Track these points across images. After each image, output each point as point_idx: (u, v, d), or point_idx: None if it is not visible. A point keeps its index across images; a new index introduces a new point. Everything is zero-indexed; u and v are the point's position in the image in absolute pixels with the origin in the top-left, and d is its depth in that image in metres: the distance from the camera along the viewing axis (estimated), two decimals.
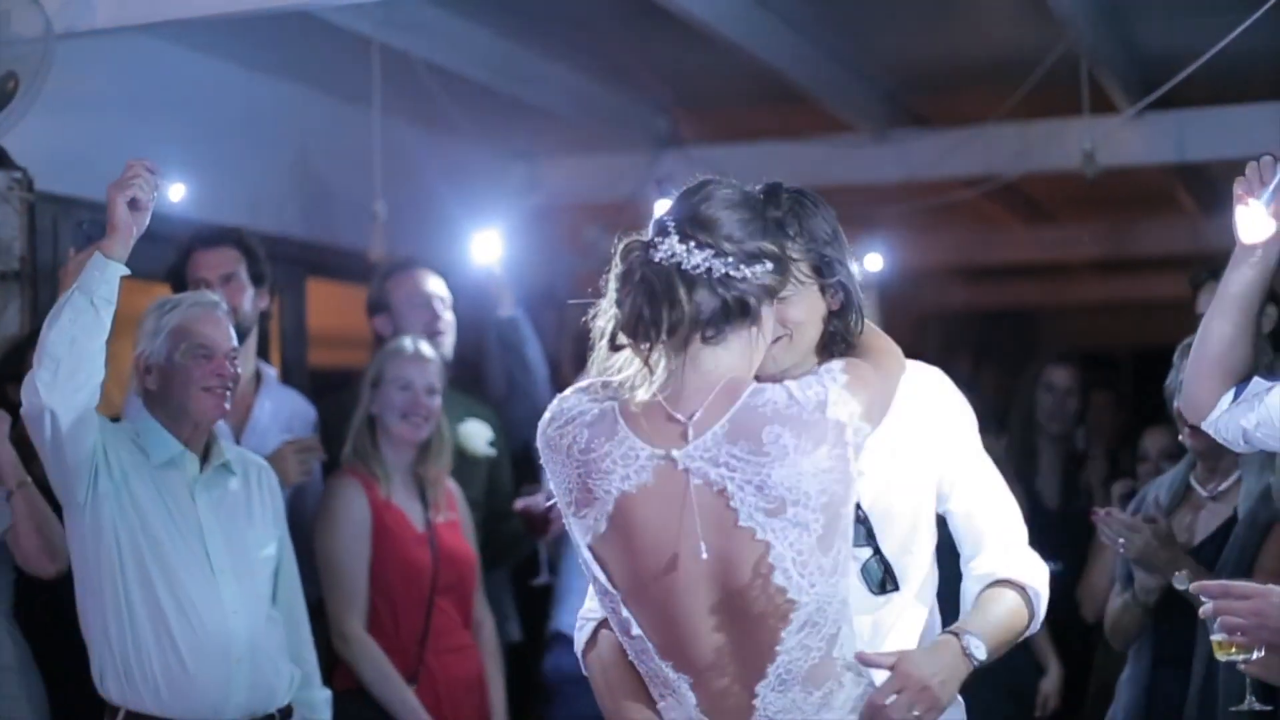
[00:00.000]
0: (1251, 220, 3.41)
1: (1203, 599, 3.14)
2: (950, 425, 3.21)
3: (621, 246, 2.85)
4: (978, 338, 11.68)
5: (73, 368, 3.74)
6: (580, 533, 2.87)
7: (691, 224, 2.79)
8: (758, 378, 2.92)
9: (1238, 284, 3.47)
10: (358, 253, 6.36)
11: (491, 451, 5.63)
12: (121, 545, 3.96)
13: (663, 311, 2.77)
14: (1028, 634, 3.22)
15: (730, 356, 2.82)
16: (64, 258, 5.10)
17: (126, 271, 3.78)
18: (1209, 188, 8.66)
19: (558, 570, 5.81)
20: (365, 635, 4.87)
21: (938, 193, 7.75)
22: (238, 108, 6.36)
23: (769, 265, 2.83)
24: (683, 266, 2.77)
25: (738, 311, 2.81)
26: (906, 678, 2.88)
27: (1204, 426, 3.60)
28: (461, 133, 7.31)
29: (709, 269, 2.77)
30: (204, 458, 4.16)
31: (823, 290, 3.12)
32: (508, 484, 5.74)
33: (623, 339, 2.83)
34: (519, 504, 5.51)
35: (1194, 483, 4.54)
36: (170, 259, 5.03)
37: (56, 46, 4.76)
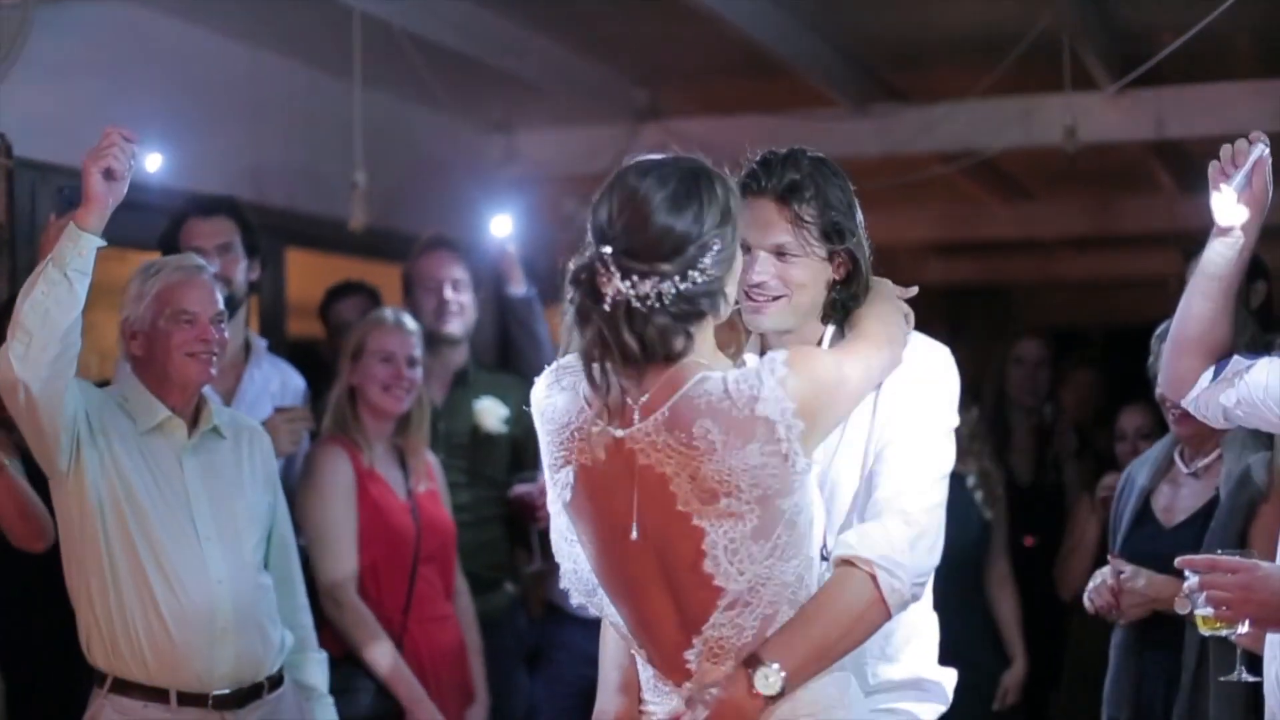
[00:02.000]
0: (1225, 204, 3.44)
1: (1188, 574, 3.16)
2: (907, 401, 3.10)
3: (569, 277, 2.80)
4: (954, 313, 11.70)
5: (46, 340, 3.70)
6: (555, 492, 2.91)
7: (629, 257, 2.74)
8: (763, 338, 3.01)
9: (1214, 264, 3.51)
10: (338, 222, 6.35)
11: (505, 429, 5.62)
12: (105, 513, 3.94)
13: (615, 353, 2.75)
14: (891, 617, 2.96)
15: (689, 350, 2.81)
16: (43, 223, 5.07)
17: (101, 243, 3.74)
18: (1187, 165, 8.67)
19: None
20: (357, 600, 4.88)
21: (916, 168, 7.76)
22: (218, 75, 6.33)
23: (718, 246, 2.79)
24: (632, 305, 2.74)
25: (695, 318, 2.79)
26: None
27: (1184, 404, 3.62)
28: (442, 104, 7.29)
29: (659, 294, 2.74)
30: (194, 422, 4.14)
31: (830, 257, 3.14)
32: (531, 466, 5.74)
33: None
34: (514, 490, 5.54)
35: (1178, 459, 4.55)
36: (152, 227, 5.01)
37: (36, 12, 4.74)
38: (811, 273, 3.13)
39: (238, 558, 4.11)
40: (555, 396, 2.89)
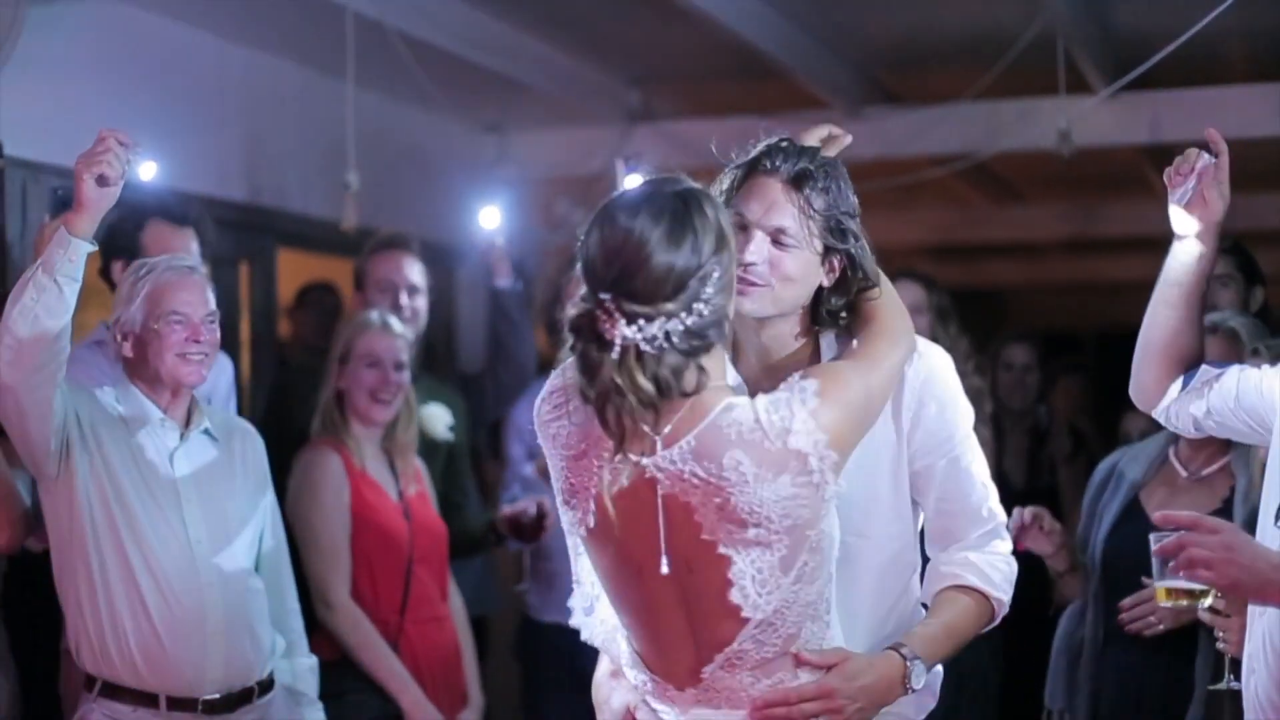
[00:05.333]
0: (1175, 214, 3.46)
1: (1153, 540, 3.07)
2: (925, 411, 3.10)
3: (568, 324, 2.74)
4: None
5: (34, 346, 3.67)
6: (570, 522, 2.87)
7: (631, 301, 2.66)
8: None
9: (1173, 270, 3.51)
10: (329, 223, 6.33)
11: (451, 437, 5.59)
12: (96, 518, 3.91)
13: (632, 398, 2.68)
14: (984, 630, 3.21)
15: (704, 384, 2.75)
16: (35, 223, 5.05)
17: (92, 248, 3.70)
18: None
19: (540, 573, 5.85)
20: (350, 602, 4.85)
21: (910, 170, 7.75)
22: (210, 75, 6.32)
23: (717, 273, 2.73)
24: (641, 349, 2.67)
25: (704, 351, 2.73)
26: (830, 692, 2.85)
27: (1154, 415, 3.62)
28: (434, 104, 7.28)
29: (667, 334, 2.67)
30: (185, 423, 4.11)
31: (825, 257, 3.06)
32: (464, 474, 5.74)
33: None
34: (505, 510, 5.50)
35: (1174, 459, 4.47)
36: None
37: (28, 11, 4.72)
38: (803, 267, 3.05)
39: (228, 560, 4.08)
40: (566, 421, 2.83)
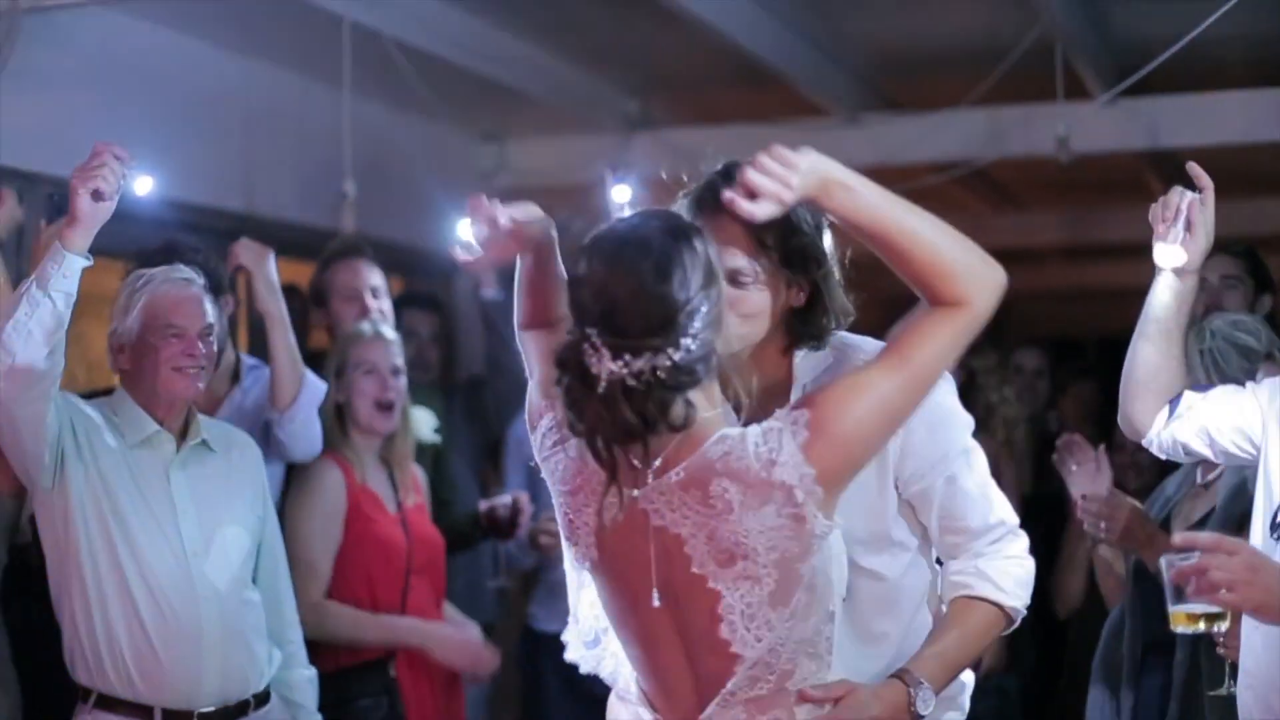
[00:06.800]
0: (1162, 252, 3.51)
1: (1165, 564, 2.98)
2: (913, 438, 3.03)
3: (554, 359, 2.69)
4: None
5: (28, 360, 3.67)
6: (575, 558, 2.84)
7: (617, 334, 2.61)
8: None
9: (1156, 309, 3.56)
10: (328, 232, 6.31)
11: (436, 439, 5.58)
12: (91, 529, 3.91)
13: (619, 432, 2.65)
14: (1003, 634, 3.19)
15: (693, 418, 2.70)
16: (30, 233, 5.03)
17: (86, 263, 3.70)
18: (1180, 175, 8.63)
19: (518, 572, 5.83)
20: (324, 599, 4.82)
21: (909, 178, 7.73)
22: (206, 84, 6.30)
23: (706, 308, 2.66)
24: (628, 384, 2.62)
25: (692, 385, 2.67)
26: None
27: (1144, 444, 3.64)
28: (432, 112, 7.26)
29: (654, 369, 2.61)
30: (182, 435, 4.10)
31: (787, 283, 2.99)
32: (451, 471, 5.73)
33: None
34: (484, 505, 5.50)
35: (1197, 470, 4.52)
36: (141, 238, 4.94)
37: (23, 21, 4.70)
38: (764, 301, 2.98)
39: (226, 572, 4.07)
40: (563, 455, 2.80)
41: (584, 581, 2.91)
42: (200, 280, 4.17)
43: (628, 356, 2.61)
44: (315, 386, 4.76)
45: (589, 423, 2.67)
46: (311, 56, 6.50)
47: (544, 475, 2.87)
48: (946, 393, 3.11)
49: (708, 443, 2.67)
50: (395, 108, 7.27)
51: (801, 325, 3.05)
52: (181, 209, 5.67)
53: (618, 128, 7.77)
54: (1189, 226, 3.50)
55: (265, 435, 4.69)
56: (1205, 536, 2.94)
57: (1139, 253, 3.98)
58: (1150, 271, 3.61)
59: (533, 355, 3.02)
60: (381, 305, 5.55)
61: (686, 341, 2.63)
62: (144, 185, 4.60)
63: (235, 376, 4.99)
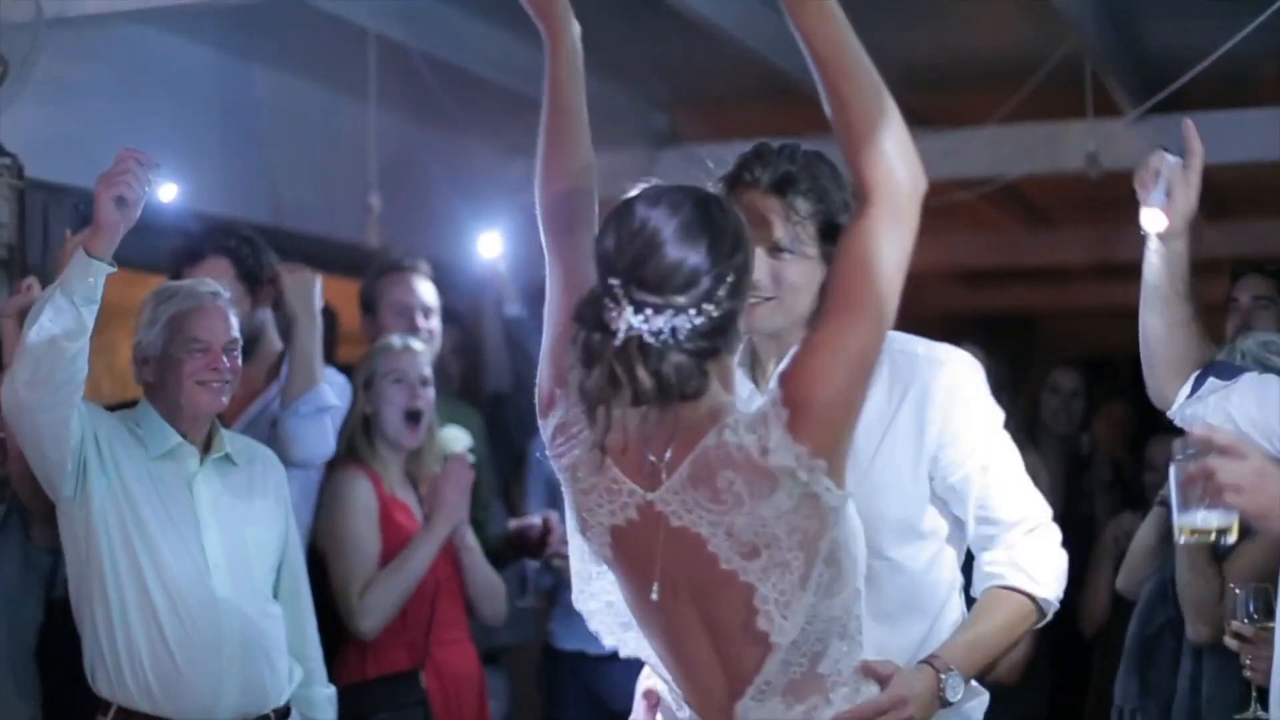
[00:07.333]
0: (1148, 217, 3.42)
1: (1174, 469, 2.88)
2: (951, 424, 3.07)
3: (573, 313, 2.64)
4: (979, 342, 11.64)
5: (52, 367, 3.66)
6: (593, 552, 2.80)
7: (640, 288, 2.56)
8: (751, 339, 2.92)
9: (1149, 275, 3.47)
10: (353, 246, 6.30)
11: (471, 458, 5.56)
12: (113, 540, 3.89)
13: (626, 393, 2.58)
14: (1036, 627, 3.18)
15: (707, 390, 2.64)
16: (55, 244, 5.03)
17: (110, 269, 3.68)
18: (1212, 191, 8.57)
19: (541, 591, 5.82)
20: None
21: (937, 194, 7.69)
22: (232, 97, 6.31)
23: (732, 278, 2.62)
24: (644, 341, 2.56)
25: (710, 356, 2.62)
26: (903, 700, 2.80)
27: (1170, 415, 3.56)
28: (459, 126, 7.26)
29: (673, 329, 2.56)
30: (206, 448, 4.09)
31: (825, 258, 3.00)
32: (486, 492, 5.70)
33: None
34: (514, 524, 5.49)
35: None
36: (166, 249, 4.96)
37: (47, 32, 4.71)
38: (806, 274, 3.01)
39: (248, 586, 4.05)
40: (573, 453, 2.74)
41: (601, 571, 2.85)
42: (226, 294, 4.16)
43: (649, 312, 2.56)
44: (323, 392, 4.72)
45: (597, 381, 2.59)
46: (337, 69, 6.50)
47: (554, 464, 2.80)
48: (980, 383, 3.14)
49: (709, 434, 2.61)
50: (421, 121, 7.27)
51: None
52: (207, 221, 5.67)
53: (645, 143, 7.76)
54: (1171, 191, 3.40)
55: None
56: (1221, 436, 2.82)
57: None
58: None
59: (558, 272, 2.90)
60: (431, 325, 5.56)
61: (709, 307, 2.58)
62: (169, 192, 4.62)
63: (275, 371, 4.97)
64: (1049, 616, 3.14)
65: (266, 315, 4.95)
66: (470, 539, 5.06)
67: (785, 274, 3.00)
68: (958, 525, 3.17)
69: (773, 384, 2.61)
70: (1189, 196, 3.42)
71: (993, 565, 3.11)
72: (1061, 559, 3.14)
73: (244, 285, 4.82)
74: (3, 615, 4.20)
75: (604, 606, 2.88)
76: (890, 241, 2.61)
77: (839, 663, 2.70)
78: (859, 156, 2.62)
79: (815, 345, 2.59)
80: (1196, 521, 2.85)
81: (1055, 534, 3.16)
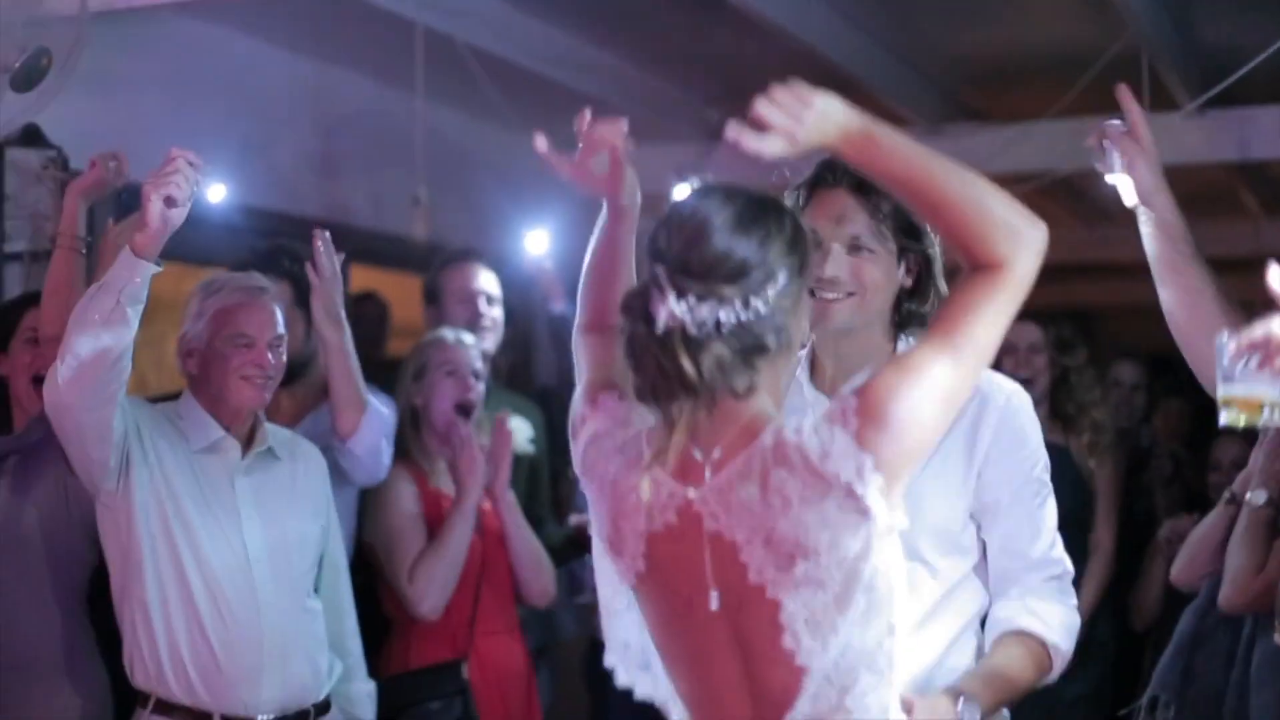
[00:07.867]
0: (1118, 186, 3.32)
1: (1226, 340, 2.81)
2: (1000, 446, 3.05)
3: (620, 305, 2.60)
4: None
5: (96, 365, 3.64)
6: (620, 573, 2.72)
7: (686, 275, 2.51)
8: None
9: (1150, 246, 3.37)
10: (400, 238, 6.29)
11: (531, 449, 5.56)
12: (154, 533, 3.89)
13: (676, 385, 2.53)
14: (1044, 683, 3.12)
15: (756, 390, 2.58)
16: (99, 236, 5.02)
17: (157, 269, 3.65)
18: (1273, 187, 8.49)
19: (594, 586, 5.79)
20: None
21: None
22: (277, 89, 6.31)
23: (784, 278, 2.55)
24: (688, 331, 2.50)
25: (757, 353, 2.55)
26: None
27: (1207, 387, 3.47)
28: (506, 120, 7.22)
29: (718, 322, 2.50)
30: (248, 442, 4.07)
31: (901, 258, 3.05)
32: (546, 487, 5.71)
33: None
34: (574, 519, 5.48)
35: None
36: (214, 243, 4.95)
37: (92, 25, 4.70)
38: (885, 271, 3.04)
39: (288, 580, 4.04)
40: (609, 453, 2.70)
41: (630, 603, 2.79)
42: (272, 288, 4.13)
43: (692, 299, 2.50)
44: (380, 414, 4.64)
45: (647, 376, 2.55)
46: (385, 62, 6.50)
47: (586, 491, 2.76)
48: (1035, 420, 3.13)
49: (764, 433, 2.54)
50: (469, 114, 7.25)
51: (910, 307, 3.10)
52: (254, 214, 5.67)
53: (697, 137, 7.72)
54: (1127, 155, 3.28)
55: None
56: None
57: (1229, 267, 3.84)
58: (1248, 287, 3.44)
59: (584, 359, 2.93)
60: (494, 313, 5.59)
61: (756, 302, 2.51)
62: (217, 193, 4.61)
63: (326, 390, 4.82)
64: (1056, 671, 3.10)
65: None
66: (510, 497, 5.03)
67: (864, 270, 3.03)
68: (985, 558, 3.15)
69: (847, 390, 2.55)
70: (1147, 160, 3.29)
71: (1009, 610, 3.09)
72: (1075, 618, 3.11)
73: (301, 311, 4.74)
74: (40, 544, 4.16)
75: (621, 646, 2.82)
76: (1000, 307, 2.56)
77: (865, 697, 2.58)
78: (989, 247, 2.57)
79: (907, 367, 2.52)
80: (1243, 391, 2.75)
81: (1071, 591, 3.14)
